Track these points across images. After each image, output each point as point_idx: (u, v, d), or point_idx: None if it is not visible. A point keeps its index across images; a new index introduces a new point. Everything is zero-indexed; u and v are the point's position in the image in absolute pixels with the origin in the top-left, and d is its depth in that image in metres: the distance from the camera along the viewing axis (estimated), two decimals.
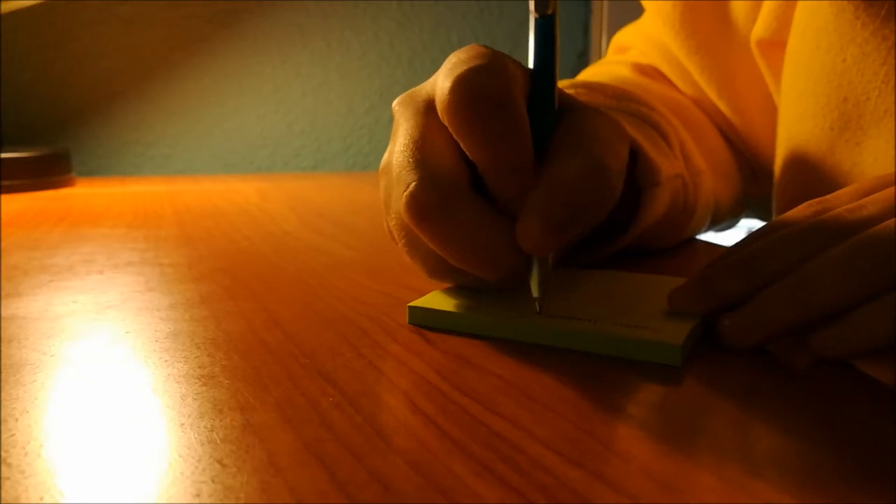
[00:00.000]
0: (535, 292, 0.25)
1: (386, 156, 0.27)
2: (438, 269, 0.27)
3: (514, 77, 0.24)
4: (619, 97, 0.40)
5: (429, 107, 0.26)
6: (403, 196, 0.23)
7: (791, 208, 0.27)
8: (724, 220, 0.51)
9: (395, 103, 0.27)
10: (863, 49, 0.35)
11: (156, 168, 0.99)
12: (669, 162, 0.37)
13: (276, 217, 0.54)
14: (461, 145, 0.24)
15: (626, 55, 0.54)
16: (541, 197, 0.23)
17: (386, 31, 1.03)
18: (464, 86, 0.23)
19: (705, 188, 0.41)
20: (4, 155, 0.72)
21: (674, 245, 0.41)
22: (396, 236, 0.27)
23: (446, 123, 0.24)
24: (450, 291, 0.28)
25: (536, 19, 0.26)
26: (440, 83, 0.24)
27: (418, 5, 1.03)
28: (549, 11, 0.26)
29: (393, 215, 0.26)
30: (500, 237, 0.23)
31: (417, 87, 0.27)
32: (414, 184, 0.23)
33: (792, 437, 0.18)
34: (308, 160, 1.04)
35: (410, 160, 0.24)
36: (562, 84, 0.41)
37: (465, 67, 0.23)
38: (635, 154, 0.34)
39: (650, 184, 0.34)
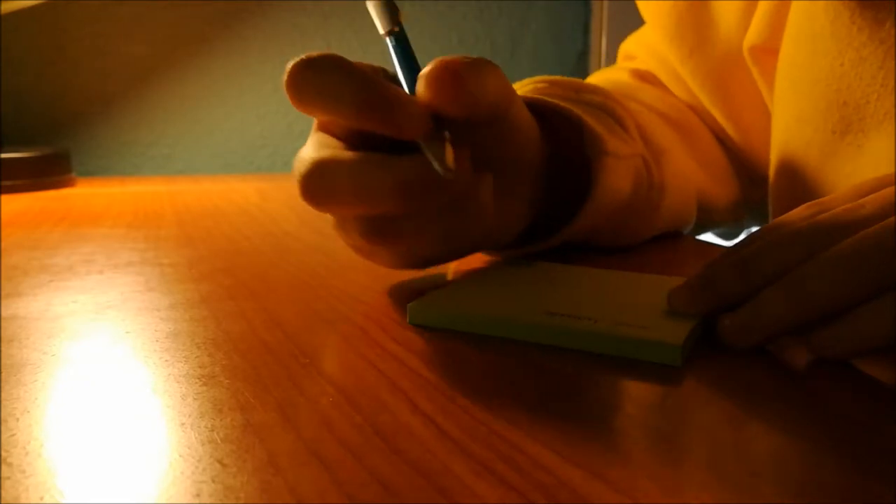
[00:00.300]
0: (435, 165, 0.24)
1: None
2: (366, 231, 0.28)
3: (343, 60, 0.26)
4: (577, 90, 0.40)
5: (316, 127, 0.30)
6: (300, 193, 0.27)
7: (789, 210, 0.27)
8: (722, 222, 0.51)
9: None
10: (860, 53, 0.35)
11: (156, 168, 0.99)
12: (625, 143, 0.37)
13: (277, 217, 0.54)
14: (319, 116, 0.28)
15: (632, 63, 0.55)
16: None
17: None
18: (294, 65, 0.26)
19: (673, 167, 0.41)
20: (4, 155, 0.72)
21: (657, 231, 0.40)
22: (352, 244, 0.30)
23: (301, 111, 0.28)
24: (450, 291, 0.28)
25: (390, 38, 0.30)
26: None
27: (418, 5, 1.03)
28: (396, 29, 0.31)
29: (340, 231, 0.31)
30: (376, 163, 0.25)
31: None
32: (301, 176, 0.27)
33: (792, 436, 0.18)
34: None
35: (303, 167, 0.27)
36: (525, 81, 0.41)
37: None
38: (580, 130, 0.35)
39: (598, 154, 0.34)
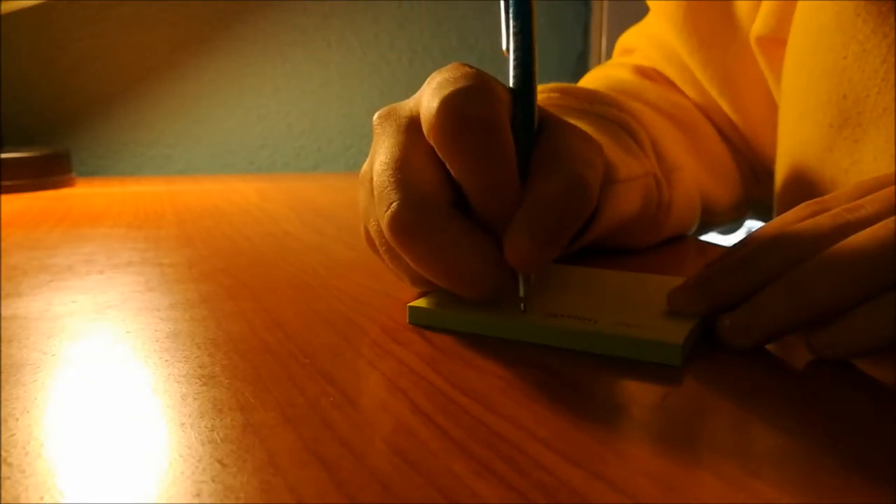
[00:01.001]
0: (521, 292, 0.25)
1: (365, 166, 0.28)
2: (419, 281, 0.27)
3: (500, 98, 0.24)
4: (590, 100, 0.40)
5: (411, 124, 0.26)
6: (386, 215, 0.24)
7: (792, 207, 0.27)
8: (724, 221, 0.51)
9: (375, 117, 0.28)
10: (863, 46, 0.35)
11: (156, 168, 0.99)
12: (638, 161, 0.37)
13: (277, 217, 0.54)
14: (447, 165, 0.24)
15: (631, 57, 0.54)
16: (528, 213, 0.24)
17: (386, 31, 1.03)
18: (451, 107, 0.23)
19: (683, 186, 0.41)
20: (4, 155, 0.72)
21: (655, 242, 0.41)
22: (378, 245, 0.27)
23: (432, 143, 0.24)
24: (450, 291, 0.28)
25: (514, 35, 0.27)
26: (426, 103, 0.24)
27: (418, 5, 1.03)
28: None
29: (373, 225, 0.27)
30: (481, 256, 0.24)
31: (399, 103, 0.28)
32: (396, 203, 0.24)
33: (792, 436, 0.18)
34: (308, 160, 1.04)
35: (392, 179, 0.24)
36: (539, 88, 0.41)
37: (451, 88, 0.24)
38: None
39: (608, 182, 0.34)
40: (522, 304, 0.25)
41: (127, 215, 0.56)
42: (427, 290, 0.28)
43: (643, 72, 0.51)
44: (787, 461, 0.17)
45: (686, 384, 0.21)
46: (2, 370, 0.22)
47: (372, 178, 0.26)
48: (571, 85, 0.42)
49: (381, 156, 0.26)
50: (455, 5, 1.05)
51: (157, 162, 0.99)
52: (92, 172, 0.96)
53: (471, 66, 0.26)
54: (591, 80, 0.51)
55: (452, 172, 0.24)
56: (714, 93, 0.48)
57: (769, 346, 0.24)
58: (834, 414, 0.19)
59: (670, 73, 0.50)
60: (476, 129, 0.23)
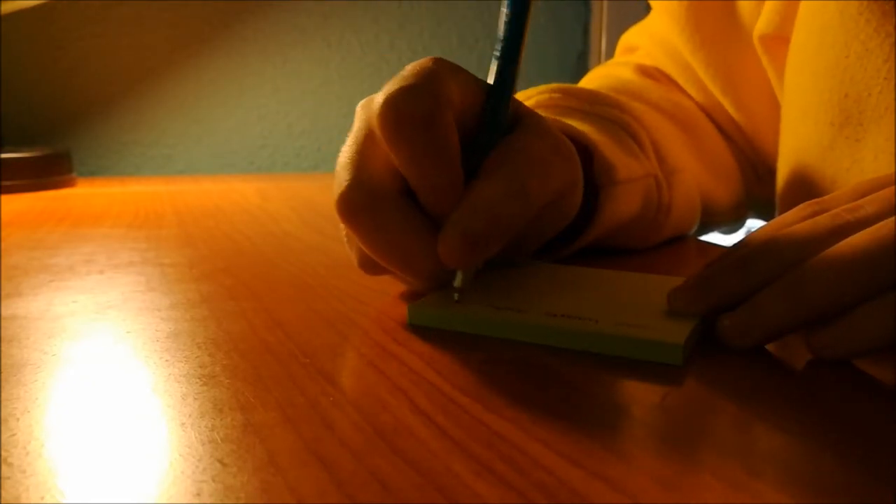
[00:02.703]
0: (456, 282, 0.26)
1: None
2: (366, 264, 0.29)
3: (444, 98, 0.25)
4: (592, 101, 0.40)
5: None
6: (336, 194, 0.25)
7: (794, 206, 0.27)
8: (725, 221, 0.51)
9: (358, 105, 0.29)
10: (866, 45, 0.35)
11: (156, 168, 0.99)
12: (638, 162, 0.37)
13: (277, 217, 0.54)
14: (393, 160, 0.25)
15: (633, 56, 0.54)
16: (461, 214, 0.24)
17: (386, 31, 1.03)
18: (390, 106, 0.24)
19: (684, 187, 0.41)
20: (5, 155, 0.72)
21: (656, 243, 0.41)
22: (341, 228, 0.29)
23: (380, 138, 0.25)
24: (450, 291, 0.28)
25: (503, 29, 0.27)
26: (376, 99, 0.25)
27: (418, 5, 1.03)
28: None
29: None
30: (422, 243, 0.25)
31: (377, 94, 0.28)
32: (346, 183, 0.25)
33: (792, 436, 0.18)
34: (308, 160, 1.04)
35: (348, 161, 0.26)
36: (540, 88, 0.41)
37: (396, 86, 0.25)
38: (592, 155, 0.35)
39: (606, 183, 0.35)
40: (456, 295, 0.26)
41: (127, 215, 0.56)
42: (374, 274, 0.29)
43: (645, 71, 0.51)
44: (788, 461, 0.17)
45: (686, 384, 0.21)
46: (2, 370, 0.22)
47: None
48: (573, 85, 0.42)
49: (348, 140, 0.27)
50: (455, 5, 1.05)
51: (158, 162, 0.99)
52: (92, 172, 0.96)
53: (439, 62, 0.26)
54: (593, 79, 0.51)
55: (398, 166, 0.25)
56: (717, 92, 0.48)
57: (769, 346, 0.24)
58: (834, 414, 0.19)
59: (673, 71, 0.50)
60: (412, 128, 0.24)
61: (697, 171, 0.45)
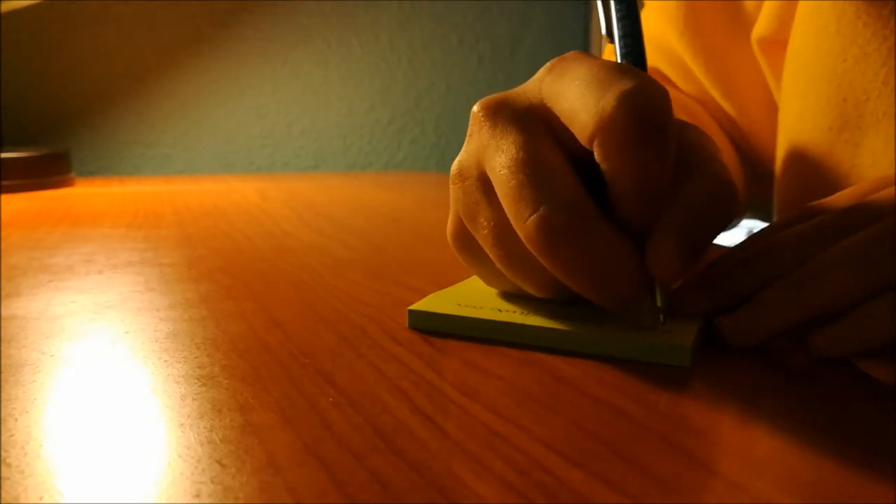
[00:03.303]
0: (658, 302, 0.24)
1: (463, 159, 0.26)
2: (545, 287, 0.25)
3: (667, 95, 0.23)
4: None
5: (532, 119, 0.24)
6: (532, 219, 0.22)
7: (791, 208, 0.27)
8: None
9: (478, 109, 0.25)
10: (864, 50, 0.35)
11: (156, 168, 0.99)
12: None
13: (276, 217, 0.54)
14: (607, 167, 0.22)
15: None
16: (675, 221, 0.22)
17: (386, 31, 1.03)
18: (632, 106, 0.21)
19: None
20: (4, 155, 0.72)
21: None
22: (490, 247, 0.25)
23: (598, 143, 0.22)
24: (450, 293, 0.28)
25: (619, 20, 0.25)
26: (592, 100, 0.22)
27: (418, 5, 1.03)
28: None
29: (486, 227, 0.25)
30: (626, 267, 0.22)
31: (508, 94, 0.26)
32: (545, 207, 0.22)
33: (792, 436, 0.18)
34: (308, 160, 1.04)
35: (533, 179, 0.22)
36: None
37: (625, 84, 0.22)
38: None
39: None
40: (662, 316, 0.24)
41: (127, 215, 0.56)
42: (549, 296, 0.26)
43: None
44: (788, 461, 0.17)
45: (686, 384, 0.21)
46: (1, 370, 0.22)
47: (479, 174, 0.24)
48: None
49: (506, 153, 0.23)
50: (455, 5, 1.04)
51: (157, 162, 0.99)
52: (92, 172, 0.96)
53: (601, 58, 0.24)
54: None
55: (612, 174, 0.22)
56: (716, 94, 0.48)
57: (770, 346, 0.24)
58: (834, 414, 0.19)
59: (670, 73, 0.50)
60: (655, 132, 0.21)
61: None
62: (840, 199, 0.27)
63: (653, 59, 0.51)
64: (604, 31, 0.27)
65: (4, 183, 0.71)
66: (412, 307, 0.27)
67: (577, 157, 0.24)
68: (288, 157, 1.03)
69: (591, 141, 0.22)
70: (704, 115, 0.49)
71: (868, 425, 0.19)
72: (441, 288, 0.29)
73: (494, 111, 0.25)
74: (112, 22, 0.94)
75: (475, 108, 0.26)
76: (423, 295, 0.29)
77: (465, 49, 1.05)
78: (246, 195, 0.68)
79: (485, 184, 0.25)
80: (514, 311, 0.26)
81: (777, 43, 0.42)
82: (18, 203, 0.64)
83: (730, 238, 0.57)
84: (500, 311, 0.26)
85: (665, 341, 0.23)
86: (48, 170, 0.76)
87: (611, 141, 0.22)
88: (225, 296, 0.31)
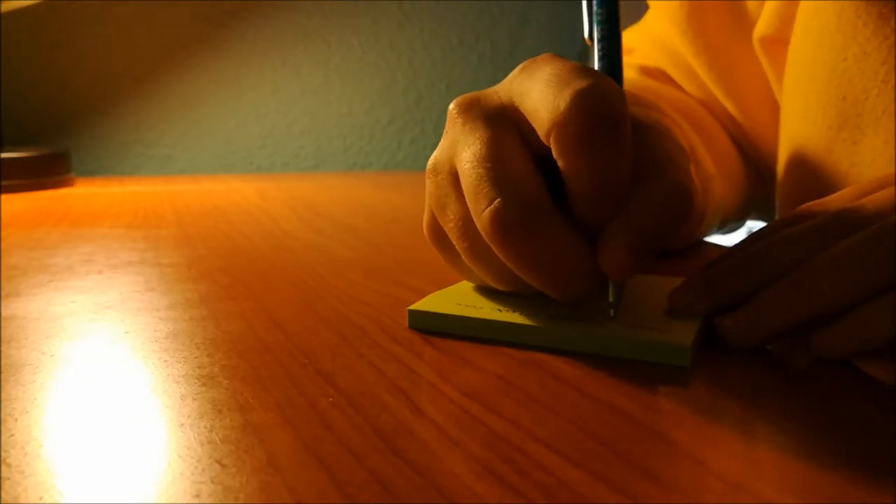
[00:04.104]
0: (610, 297, 0.24)
1: (439, 156, 0.26)
2: (504, 279, 0.26)
3: (623, 95, 0.23)
4: (630, 102, 0.39)
5: (502, 116, 0.25)
6: (487, 211, 0.23)
7: (793, 208, 0.27)
8: (729, 223, 0.51)
9: (454, 107, 0.26)
10: (864, 48, 0.35)
11: (156, 168, 0.99)
12: None
13: (276, 217, 0.54)
14: (563, 165, 0.23)
15: (631, 57, 0.54)
16: (628, 220, 0.23)
17: (386, 31, 1.03)
18: (585, 104, 0.22)
19: (715, 194, 0.41)
20: (4, 155, 0.72)
21: (681, 248, 0.41)
22: (456, 240, 0.26)
23: (554, 140, 0.22)
24: (450, 293, 0.28)
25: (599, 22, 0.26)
26: (550, 98, 0.22)
27: (418, 5, 1.03)
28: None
29: (452, 220, 0.25)
30: (579, 261, 0.23)
31: (482, 93, 0.26)
32: (499, 200, 0.23)
33: (793, 437, 0.18)
34: (308, 160, 1.04)
35: (492, 173, 0.23)
36: None
37: (581, 83, 0.22)
38: None
39: None
40: (612, 311, 0.24)
41: (126, 215, 0.56)
42: (508, 289, 0.27)
43: (648, 72, 0.51)
44: (788, 461, 0.17)
45: (686, 384, 0.21)
46: (1, 370, 0.22)
47: (450, 169, 0.25)
48: None
49: (471, 148, 0.24)
50: (455, 5, 1.04)
51: (157, 162, 0.99)
52: (92, 172, 0.96)
53: (570, 60, 0.24)
54: None
55: (567, 172, 0.23)
56: (719, 94, 0.48)
57: (770, 346, 0.24)
58: (834, 414, 0.19)
59: (674, 73, 0.50)
60: (610, 130, 0.22)
61: (718, 176, 0.45)
62: (839, 198, 0.27)
63: (656, 60, 0.51)
64: (586, 33, 0.27)
65: (4, 183, 0.71)
66: (412, 307, 0.27)
67: (545, 156, 0.24)
68: (288, 157, 1.03)
69: (547, 137, 0.23)
70: (707, 117, 0.49)
71: (868, 425, 0.19)
72: (441, 288, 0.29)
73: (467, 108, 0.25)
74: (112, 22, 0.94)
75: (451, 105, 0.26)
76: (423, 295, 0.29)
77: (465, 49, 1.05)
78: (246, 195, 0.68)
79: (455, 178, 0.25)
80: (514, 311, 0.26)
81: (778, 42, 0.42)
82: (18, 203, 0.64)
83: (733, 239, 0.57)
84: (500, 311, 0.26)
85: (665, 341, 0.23)
86: (48, 170, 0.76)
87: (564, 137, 0.22)
88: (225, 296, 0.31)
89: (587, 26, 0.27)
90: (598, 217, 0.23)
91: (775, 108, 0.45)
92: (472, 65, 1.05)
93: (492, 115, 0.25)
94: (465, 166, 0.24)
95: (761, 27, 0.43)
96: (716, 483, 0.16)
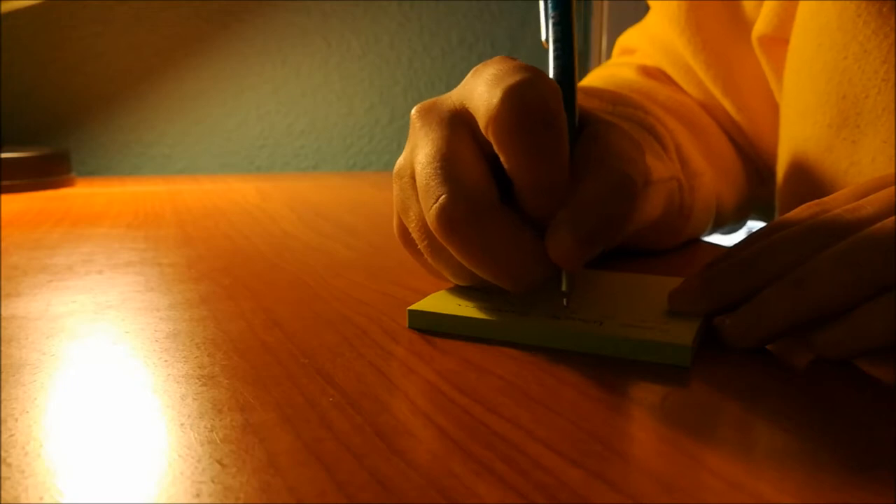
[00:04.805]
0: (563, 286, 0.25)
1: (402, 160, 0.27)
2: (461, 275, 0.27)
3: (558, 91, 0.24)
4: (614, 102, 0.40)
5: (455, 118, 0.26)
6: (433, 208, 0.24)
7: (793, 207, 0.27)
8: (728, 223, 0.51)
9: (414, 111, 0.27)
10: (864, 47, 0.35)
11: (156, 168, 0.99)
12: (663, 164, 0.37)
13: (276, 217, 0.54)
14: (502, 160, 0.24)
15: (632, 57, 0.54)
16: (572, 212, 0.23)
17: (386, 31, 1.03)
18: (515, 99, 0.23)
19: (704, 191, 0.41)
20: (4, 155, 0.72)
21: (672, 246, 0.41)
22: (417, 240, 0.27)
23: (491, 136, 0.24)
24: (451, 293, 0.28)
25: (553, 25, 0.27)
26: (485, 95, 0.24)
27: (418, 5, 1.03)
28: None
29: (414, 221, 0.26)
30: (526, 252, 0.24)
31: (440, 97, 0.27)
32: (444, 197, 0.23)
33: (792, 436, 0.18)
34: (308, 160, 1.04)
35: (439, 172, 0.24)
36: None
37: (513, 79, 0.23)
38: None
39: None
40: (565, 300, 0.25)
41: (127, 215, 0.56)
42: (467, 284, 0.28)
43: (647, 72, 0.51)
44: (788, 461, 0.17)
45: (686, 384, 0.21)
46: (1, 370, 0.22)
47: (411, 172, 0.26)
48: (593, 86, 0.42)
49: (424, 149, 0.25)
50: (455, 5, 1.04)
51: (157, 162, 0.99)
52: (92, 172, 0.96)
53: (515, 59, 0.25)
54: (596, 79, 0.51)
55: (507, 167, 0.24)
56: (718, 93, 0.48)
57: (770, 346, 0.24)
58: (834, 414, 0.19)
59: (673, 73, 0.50)
60: (536, 124, 0.23)
61: (710, 174, 0.45)
62: (838, 198, 0.27)
63: (657, 60, 0.51)
64: (543, 36, 0.28)
65: (4, 183, 0.71)
66: (412, 307, 0.27)
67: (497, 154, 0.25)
68: (288, 157, 1.03)
69: (486, 133, 0.24)
70: (704, 117, 0.49)
71: (868, 425, 0.19)
72: (441, 288, 0.29)
73: (425, 113, 0.27)
74: (112, 22, 0.94)
75: (412, 111, 0.27)
76: (423, 295, 0.29)
77: (465, 49, 1.05)
78: (246, 195, 0.68)
79: (414, 181, 0.26)
80: (514, 311, 0.26)
81: (778, 41, 0.42)
82: (18, 203, 0.64)
83: (733, 239, 0.57)
84: (500, 310, 0.26)
85: (665, 341, 0.23)
86: (48, 170, 0.76)
87: (497, 131, 0.23)
88: (225, 296, 0.31)
89: (543, 29, 0.28)
90: (542, 209, 0.24)
91: (774, 108, 0.45)
92: (472, 65, 1.05)
93: (446, 117, 0.26)
94: (418, 167, 0.25)
95: (760, 26, 0.43)
96: (716, 483, 0.16)
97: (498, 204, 0.24)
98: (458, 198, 0.23)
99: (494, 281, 0.25)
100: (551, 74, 0.27)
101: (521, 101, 0.23)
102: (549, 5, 0.28)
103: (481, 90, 0.24)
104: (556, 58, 0.27)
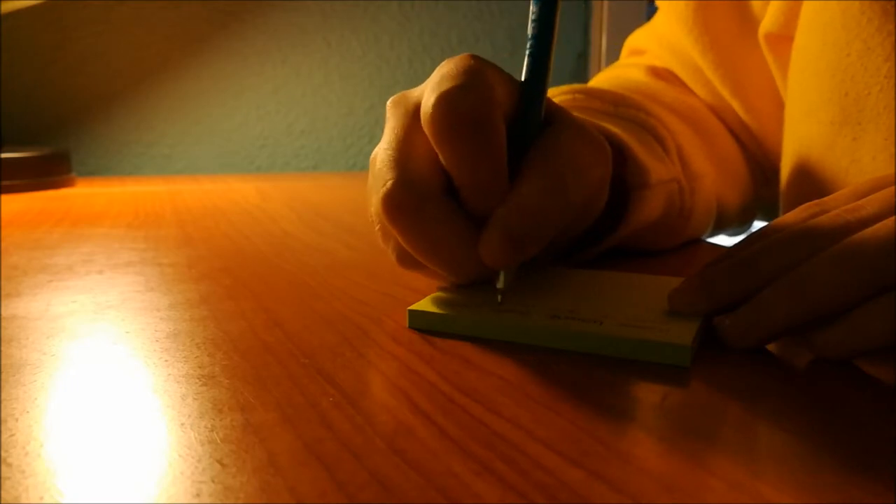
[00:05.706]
0: (499, 283, 0.26)
1: (375, 149, 0.28)
2: (405, 260, 0.28)
3: (495, 98, 0.25)
4: (616, 103, 0.40)
5: (416, 110, 0.27)
6: (381, 191, 0.25)
7: (796, 206, 0.27)
8: (732, 225, 0.51)
9: (388, 102, 0.29)
10: (867, 44, 0.35)
11: (156, 168, 0.99)
12: (664, 166, 0.37)
13: (276, 217, 0.54)
14: (440, 159, 0.25)
15: (642, 58, 0.54)
16: (503, 214, 0.24)
17: (386, 31, 1.03)
18: (445, 104, 0.24)
19: (704, 193, 0.41)
20: (4, 155, 0.72)
21: (671, 247, 0.41)
22: (374, 223, 0.28)
23: (428, 135, 0.25)
24: (450, 293, 0.28)
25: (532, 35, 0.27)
26: (425, 97, 0.25)
27: (418, 5, 1.03)
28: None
29: (373, 205, 0.28)
30: (464, 243, 0.25)
31: (410, 90, 0.29)
32: (390, 182, 0.25)
33: (792, 436, 0.18)
34: (308, 160, 1.04)
35: (390, 159, 0.26)
36: (562, 89, 0.41)
37: (448, 85, 0.24)
38: (625, 156, 0.34)
39: (639, 185, 0.34)
40: (499, 296, 0.26)
41: (127, 215, 0.56)
42: (411, 269, 0.29)
43: (656, 72, 0.51)
44: (788, 461, 0.17)
45: (686, 385, 0.21)
46: (1, 370, 0.22)
47: (375, 160, 0.27)
48: (594, 87, 0.42)
49: (385, 138, 0.27)
50: (455, 5, 1.04)
51: (157, 162, 0.99)
52: (92, 172, 0.96)
53: (479, 60, 0.26)
54: (604, 80, 0.51)
55: (444, 164, 0.25)
56: (726, 93, 0.48)
57: (770, 347, 0.24)
58: (834, 414, 0.19)
59: (681, 74, 0.50)
60: (465, 128, 0.24)
61: (713, 176, 0.45)
62: (840, 197, 0.27)
63: (665, 61, 0.51)
64: (529, 32, 0.28)
65: (4, 183, 0.71)
66: (412, 307, 0.27)
67: None
68: (288, 157, 1.03)
69: (426, 132, 0.25)
70: (710, 119, 0.49)
71: (868, 425, 0.19)
72: (441, 288, 0.29)
73: (394, 104, 0.28)
74: (112, 22, 0.94)
75: (388, 101, 0.29)
76: (423, 295, 0.29)
77: (464, 49, 1.05)
78: (246, 195, 0.68)
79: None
80: (514, 312, 0.26)
81: (784, 39, 0.42)
82: (18, 203, 0.64)
83: (731, 239, 0.56)
84: (500, 311, 0.26)
85: (664, 341, 0.23)
86: (48, 170, 0.76)
87: (430, 133, 0.25)
88: (225, 296, 0.31)
89: (529, 25, 0.28)
90: (477, 207, 0.25)
91: (781, 107, 0.45)
92: None
93: (409, 109, 0.27)
94: (378, 155, 0.27)
95: (767, 24, 0.43)
96: (716, 483, 0.16)
97: (440, 194, 0.25)
98: (402, 184, 0.25)
99: (435, 268, 0.26)
100: (523, 73, 0.27)
101: (449, 107, 0.24)
102: (532, 1, 0.28)
103: (427, 90, 0.25)
104: (529, 55, 0.28)
